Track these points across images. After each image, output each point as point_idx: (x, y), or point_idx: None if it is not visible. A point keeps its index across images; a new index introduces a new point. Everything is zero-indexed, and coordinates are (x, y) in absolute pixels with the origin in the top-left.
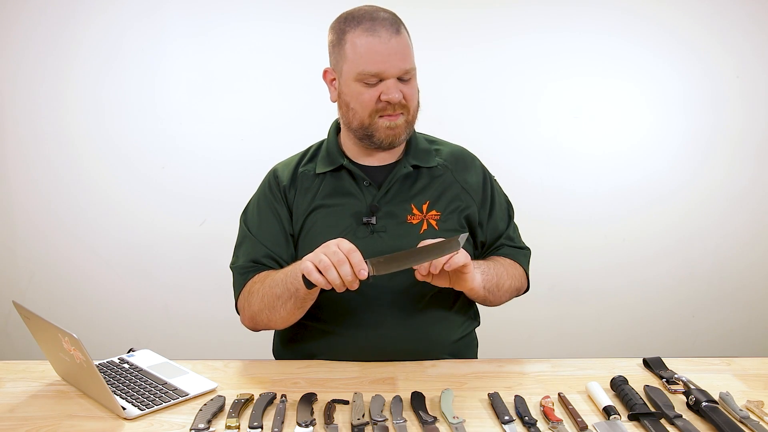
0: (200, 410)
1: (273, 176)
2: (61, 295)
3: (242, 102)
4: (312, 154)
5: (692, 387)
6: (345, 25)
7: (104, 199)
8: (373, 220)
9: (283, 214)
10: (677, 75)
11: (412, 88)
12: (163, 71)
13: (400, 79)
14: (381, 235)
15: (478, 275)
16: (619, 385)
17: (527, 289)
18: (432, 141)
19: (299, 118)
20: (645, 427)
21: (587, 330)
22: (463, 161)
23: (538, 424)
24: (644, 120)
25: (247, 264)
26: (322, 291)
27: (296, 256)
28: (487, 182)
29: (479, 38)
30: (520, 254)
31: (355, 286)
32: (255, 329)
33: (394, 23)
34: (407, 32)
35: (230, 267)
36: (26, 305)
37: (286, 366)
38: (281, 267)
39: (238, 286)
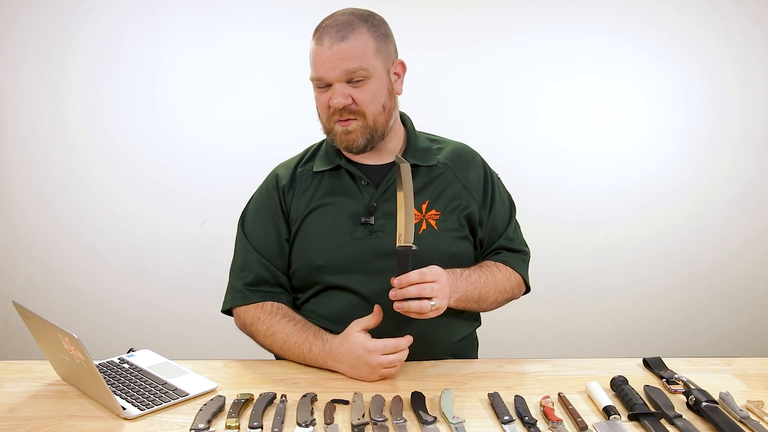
0: (200, 410)
1: (273, 178)
2: (61, 295)
3: (242, 102)
4: (311, 154)
5: (692, 387)
6: (312, 35)
7: (104, 199)
8: (372, 220)
9: (281, 221)
10: (677, 75)
11: (366, 92)
12: (163, 71)
13: (351, 83)
14: (379, 235)
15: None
16: (619, 385)
17: (527, 291)
18: (433, 140)
19: (299, 118)
20: (645, 427)
21: (587, 330)
22: (464, 159)
23: (538, 424)
24: (644, 120)
25: (246, 288)
26: (324, 290)
27: (290, 256)
28: (488, 179)
29: (479, 38)
30: (518, 259)
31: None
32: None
33: (344, 28)
34: (372, 35)
35: (230, 275)
36: (26, 305)
37: (286, 366)
38: (275, 276)
39: (234, 303)
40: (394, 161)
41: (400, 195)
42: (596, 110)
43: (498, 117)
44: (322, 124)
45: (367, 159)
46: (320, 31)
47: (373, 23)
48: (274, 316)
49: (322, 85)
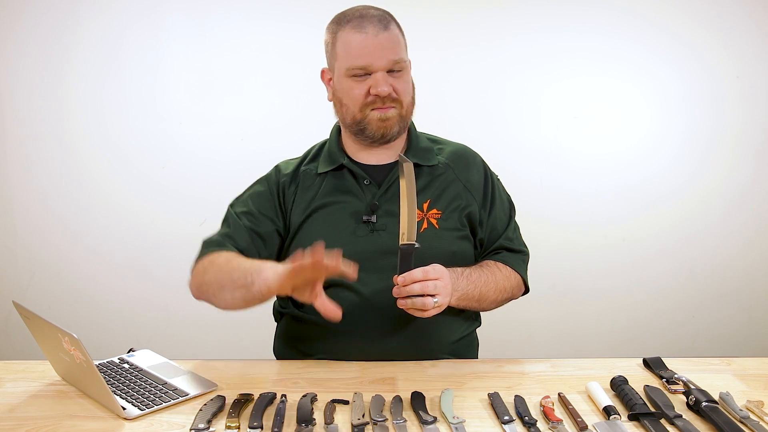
0: (200, 410)
1: (275, 171)
2: (61, 295)
3: (242, 102)
4: (314, 154)
5: (692, 387)
6: (337, 25)
7: (104, 199)
8: (373, 219)
9: (271, 212)
10: (677, 75)
11: (404, 82)
12: (163, 71)
13: (390, 73)
14: (381, 234)
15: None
16: (619, 385)
17: (526, 292)
18: (434, 140)
19: (299, 118)
20: (645, 427)
21: (587, 330)
22: (465, 159)
23: (538, 424)
24: (644, 120)
25: (219, 239)
26: (326, 288)
27: (288, 254)
28: (488, 180)
29: (479, 38)
30: (518, 259)
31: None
32: (198, 298)
33: (383, 20)
34: (399, 29)
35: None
36: (26, 305)
37: (286, 366)
38: (249, 253)
39: (200, 255)
40: (395, 161)
41: (402, 193)
42: (596, 110)
43: (498, 117)
44: (348, 116)
45: (370, 158)
46: (356, 21)
47: (395, 20)
48: (232, 254)
49: (362, 73)
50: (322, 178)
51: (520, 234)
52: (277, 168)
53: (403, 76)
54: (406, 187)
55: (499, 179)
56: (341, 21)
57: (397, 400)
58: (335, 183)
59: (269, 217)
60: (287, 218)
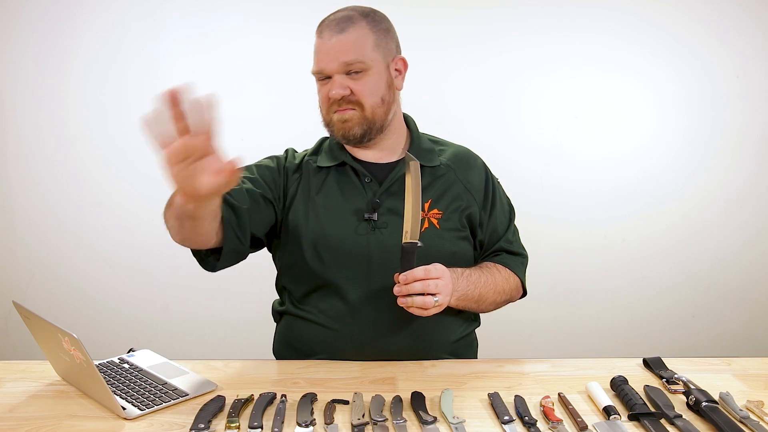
0: (200, 410)
1: (285, 154)
2: (61, 295)
3: (242, 102)
4: (316, 148)
5: (692, 387)
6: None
7: (104, 199)
8: (375, 216)
9: (274, 185)
10: (677, 75)
11: (364, 83)
12: (163, 71)
13: (351, 75)
14: (382, 232)
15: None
16: (619, 385)
17: (524, 295)
18: (436, 141)
19: (299, 117)
20: (645, 427)
21: (587, 330)
22: (466, 161)
23: (538, 424)
24: (644, 120)
25: None
26: (326, 285)
27: (286, 251)
28: (489, 183)
29: (480, 38)
30: (517, 262)
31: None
32: (172, 233)
33: (342, 22)
34: (369, 28)
35: None
36: (26, 305)
37: (286, 366)
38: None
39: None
40: (397, 160)
41: (408, 192)
42: (596, 110)
43: (498, 117)
44: (321, 118)
45: (371, 157)
46: (321, 26)
47: (374, 18)
48: None
49: (323, 77)
50: (324, 174)
51: (519, 237)
52: (287, 152)
53: (364, 77)
54: (412, 185)
55: (499, 182)
56: (317, 27)
57: (397, 400)
58: (337, 179)
59: (269, 186)
60: (285, 199)
